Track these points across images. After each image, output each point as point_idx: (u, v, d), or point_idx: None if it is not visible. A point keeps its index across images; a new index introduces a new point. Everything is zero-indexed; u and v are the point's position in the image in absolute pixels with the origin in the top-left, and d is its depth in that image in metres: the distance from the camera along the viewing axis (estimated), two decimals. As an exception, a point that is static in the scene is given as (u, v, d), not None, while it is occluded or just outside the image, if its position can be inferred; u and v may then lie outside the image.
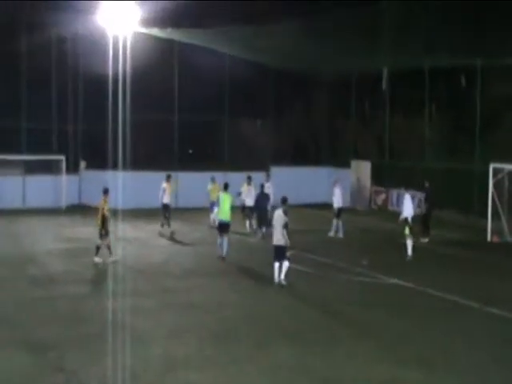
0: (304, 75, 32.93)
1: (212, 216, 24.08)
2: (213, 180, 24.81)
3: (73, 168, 31.32)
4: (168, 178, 24.01)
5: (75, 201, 30.61)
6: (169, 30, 27.84)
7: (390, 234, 23.29)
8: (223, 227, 19.51)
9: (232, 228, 20.33)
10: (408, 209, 20.27)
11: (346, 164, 32.92)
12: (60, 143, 31.59)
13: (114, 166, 25.27)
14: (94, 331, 12.40)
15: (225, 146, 33.28)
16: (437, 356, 11.49)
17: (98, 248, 18.38)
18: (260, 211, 23.41)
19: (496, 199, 23.02)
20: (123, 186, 22.33)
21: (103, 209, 18.32)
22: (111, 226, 18.90)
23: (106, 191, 18.53)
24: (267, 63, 32.00)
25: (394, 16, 26.25)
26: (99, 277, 17.19)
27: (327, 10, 26.42)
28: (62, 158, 30.10)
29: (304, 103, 34.95)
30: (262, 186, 23.93)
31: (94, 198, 29.09)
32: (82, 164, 31.63)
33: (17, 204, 29.06)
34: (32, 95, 30.76)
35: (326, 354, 11.50)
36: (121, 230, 21.00)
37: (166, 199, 23.70)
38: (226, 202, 19.55)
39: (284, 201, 16.81)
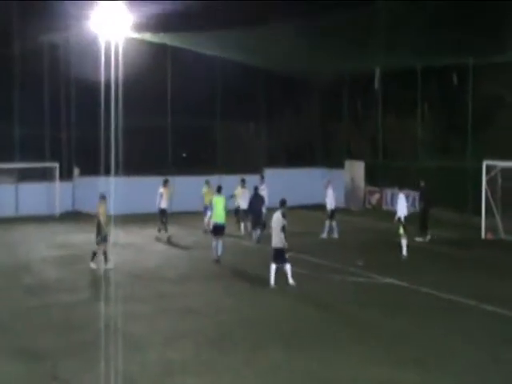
0: (296, 77, 32.97)
1: (206, 220, 24.06)
2: (207, 183, 24.80)
3: (66, 175, 31.24)
4: (165, 183, 23.97)
5: (69, 208, 30.53)
6: (161, 34, 27.83)
7: (385, 234, 23.31)
8: (218, 230, 19.52)
9: (226, 231, 20.33)
10: (402, 208, 20.33)
11: (339, 164, 32.96)
12: (53, 150, 31.52)
13: (108, 172, 25.22)
14: (89, 338, 12.36)
15: (218, 149, 33.28)
16: (433, 356, 11.49)
17: (94, 254, 18.34)
18: (254, 214, 23.42)
19: (489, 196, 23.08)
20: (117, 191, 22.24)
21: (98, 214, 18.30)
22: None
23: (102, 197, 18.52)
24: (259, 66, 32.02)
25: (386, 17, 26.35)
26: (94, 283, 17.14)
27: (319, 11, 26.50)
28: (56, 165, 30.03)
29: (297, 105, 34.99)
30: (256, 189, 23.92)
31: (88, 205, 29.13)
32: (76, 171, 31.56)
33: (10, 212, 28.96)
34: (24, 102, 30.71)
35: (322, 356, 11.50)
36: (115, 235, 20.93)
37: (163, 204, 23.65)
38: (219, 204, 19.60)
39: (283, 203, 16.83)
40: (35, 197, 29.39)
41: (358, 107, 33.76)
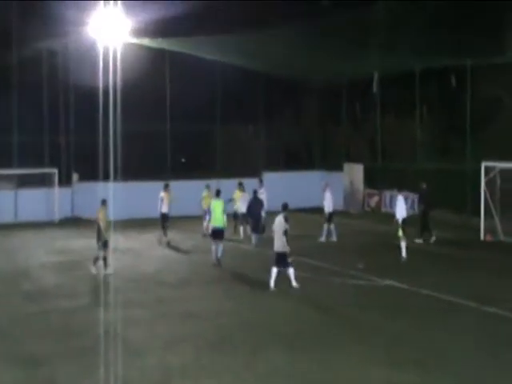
0: (295, 81, 33.00)
1: (205, 224, 24.06)
2: (207, 187, 24.79)
3: (65, 180, 31.25)
4: (166, 188, 23.94)
5: (68, 213, 30.52)
6: (159, 39, 27.86)
7: (384, 236, 23.28)
8: (217, 234, 19.51)
9: (225, 235, 20.32)
10: (401, 210, 20.31)
11: (338, 167, 32.95)
12: (52, 156, 31.53)
13: (107, 178, 25.22)
14: (89, 344, 12.33)
15: (217, 153, 33.29)
16: (433, 357, 11.46)
17: (96, 259, 18.32)
18: (253, 217, 23.42)
19: (488, 198, 23.07)
20: (116, 197, 22.27)
21: (98, 219, 18.29)
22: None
23: (103, 202, 18.52)
24: (258, 70, 32.04)
25: (385, 18, 26.39)
26: (94, 289, 17.07)
27: (318, 14, 26.57)
28: (55, 170, 30.03)
29: (295, 108, 35.02)
30: (255, 192, 23.94)
31: (87, 211, 29.14)
32: (75, 176, 31.56)
33: (9, 218, 28.95)
34: (23, 108, 30.74)
35: (323, 358, 11.48)
36: (114, 240, 20.91)
37: (164, 209, 23.62)
38: (217, 208, 19.60)
39: (285, 207, 16.83)
40: (34, 203, 29.39)
41: (356, 110, 33.78)
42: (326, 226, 23.52)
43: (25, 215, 29.09)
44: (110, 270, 18.19)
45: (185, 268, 19.67)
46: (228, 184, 25.87)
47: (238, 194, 24.68)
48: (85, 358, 11.66)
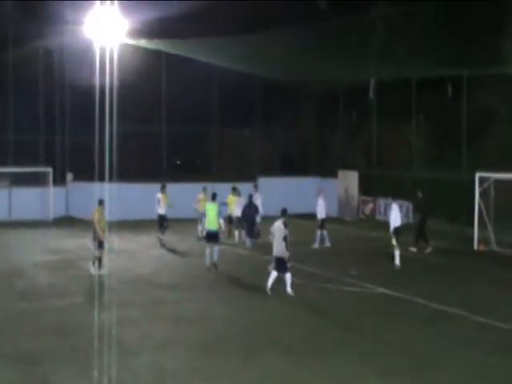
0: (292, 85, 33.07)
1: (200, 227, 24.06)
2: (204, 190, 24.81)
3: (60, 180, 31.20)
4: (163, 189, 23.93)
5: (62, 213, 30.48)
6: (156, 40, 27.87)
7: (378, 244, 23.35)
8: (211, 237, 19.55)
9: (220, 239, 20.35)
10: (395, 218, 20.35)
11: (333, 174, 33.03)
12: (47, 155, 31.48)
13: (102, 178, 25.14)
14: (82, 344, 12.30)
15: (213, 156, 33.29)
16: (423, 366, 11.50)
17: (95, 259, 18.25)
18: (247, 222, 23.47)
19: (482, 208, 23.17)
20: (111, 197, 22.22)
21: (94, 219, 18.24)
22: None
23: (100, 202, 18.46)
24: (255, 73, 32.09)
25: (382, 27, 26.51)
26: (87, 289, 17.04)
27: (315, 20, 26.64)
28: (49, 169, 29.97)
29: (292, 114, 35.08)
30: (250, 197, 23.99)
31: (81, 210, 29.09)
32: (69, 176, 31.51)
33: (3, 216, 28.88)
34: (19, 107, 30.68)
35: (315, 364, 11.49)
36: (109, 241, 20.88)
37: (161, 210, 23.61)
38: (211, 211, 19.63)
39: (284, 212, 16.82)
40: (28, 201, 29.34)
41: (353, 117, 33.87)
42: (318, 233, 23.58)
43: (19, 214, 29.03)
44: (104, 271, 18.15)
45: (180, 270, 19.66)
46: (223, 188, 25.87)
47: (231, 199, 24.70)
48: (78, 358, 11.64)
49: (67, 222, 29.30)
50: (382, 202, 29.99)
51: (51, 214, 29.58)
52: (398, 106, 29.72)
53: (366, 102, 31.77)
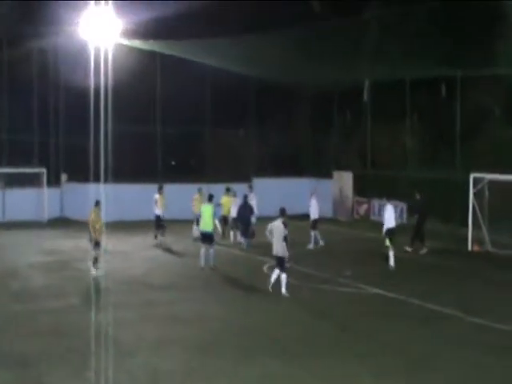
0: (286, 86, 33.08)
1: (195, 227, 24.08)
2: (199, 191, 24.83)
3: (54, 181, 31.14)
4: (160, 190, 23.93)
5: (57, 214, 30.41)
6: (151, 41, 27.86)
7: (373, 245, 23.37)
8: (206, 238, 19.62)
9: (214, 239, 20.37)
10: (389, 219, 20.38)
11: (328, 175, 33.06)
12: (41, 156, 31.41)
13: (96, 179, 25.11)
14: (77, 345, 12.29)
15: (207, 157, 33.30)
16: (418, 366, 11.53)
17: (95, 260, 18.18)
18: (242, 222, 23.52)
19: (477, 208, 23.24)
20: (105, 198, 22.22)
21: (90, 220, 18.19)
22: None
23: (96, 203, 18.44)
24: (250, 74, 32.11)
25: (375, 28, 26.56)
26: (82, 290, 17.01)
27: (310, 22, 26.67)
28: (44, 170, 29.90)
29: (286, 114, 35.08)
30: (245, 197, 24.04)
31: (75, 211, 29.03)
32: (63, 177, 31.45)
33: (-3, 218, 28.83)
34: (13, 107, 30.60)
35: (311, 364, 11.51)
36: (104, 242, 20.87)
37: (158, 210, 23.61)
38: (206, 212, 19.70)
39: (283, 212, 16.85)
40: (23, 202, 29.25)
41: (347, 118, 33.92)
42: (312, 233, 23.61)
43: (13, 215, 28.94)
44: (99, 272, 18.10)
45: (175, 271, 19.66)
46: (217, 189, 25.86)
47: (225, 199, 24.72)
48: (73, 359, 11.62)
49: (62, 222, 29.24)
50: (376, 202, 30.03)
51: (46, 214, 29.52)
52: (392, 107, 29.78)
53: (360, 103, 31.83)
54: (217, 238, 21.20)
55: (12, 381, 10.78)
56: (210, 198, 20.27)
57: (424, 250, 22.67)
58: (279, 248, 16.39)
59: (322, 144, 34.46)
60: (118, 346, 12.17)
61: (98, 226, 18.11)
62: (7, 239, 25.21)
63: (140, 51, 29.33)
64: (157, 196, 23.67)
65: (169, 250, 22.96)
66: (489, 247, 23.18)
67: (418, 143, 29.65)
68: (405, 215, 28.27)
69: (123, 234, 25.45)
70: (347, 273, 18.84)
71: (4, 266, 20.09)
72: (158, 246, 23.42)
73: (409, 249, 22.72)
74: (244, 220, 23.54)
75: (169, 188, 27.89)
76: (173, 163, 33.95)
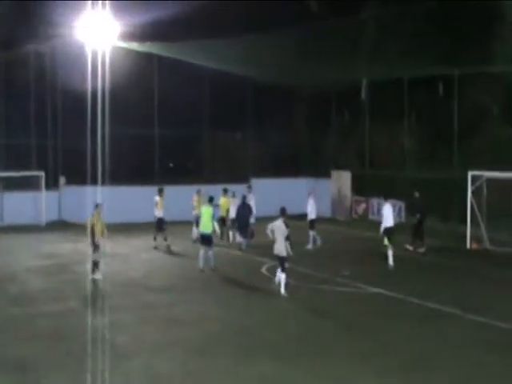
0: (284, 87, 33.08)
1: (194, 229, 24.09)
2: (198, 192, 24.83)
3: (52, 184, 31.10)
4: (160, 192, 23.93)
5: (55, 217, 30.37)
6: (148, 43, 27.85)
7: (371, 244, 23.36)
8: (205, 239, 19.64)
9: (214, 241, 20.35)
10: (387, 218, 20.36)
11: (326, 174, 33.05)
12: (39, 159, 31.38)
13: (94, 182, 25.13)
14: (75, 349, 12.25)
15: (205, 159, 33.28)
16: (420, 365, 11.51)
17: (96, 263, 18.10)
18: (241, 222, 23.53)
19: (475, 206, 23.23)
20: (103, 201, 22.21)
21: (91, 223, 18.11)
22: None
23: (96, 206, 18.39)
24: (247, 75, 32.10)
25: (373, 27, 26.57)
26: (80, 293, 16.97)
27: (307, 22, 26.68)
28: (42, 173, 29.87)
29: (284, 115, 35.06)
30: (244, 198, 24.07)
31: (74, 214, 29.01)
32: (62, 180, 31.42)
33: (-5, 221, 28.79)
34: (10, 110, 30.58)
35: (310, 366, 11.48)
36: (103, 245, 20.83)
37: (158, 213, 23.59)
38: (206, 214, 19.76)
39: (283, 212, 16.84)
40: (21, 206, 29.19)
41: (345, 117, 33.91)
42: (311, 233, 23.58)
43: (11, 218, 28.88)
44: (97, 275, 18.05)
45: (173, 273, 19.63)
46: (215, 190, 25.84)
47: (222, 200, 24.72)
48: (71, 362, 11.59)
49: (60, 226, 29.20)
50: (374, 201, 30.02)
51: (44, 218, 29.48)
52: (390, 106, 29.78)
53: (358, 103, 31.83)
54: (215, 240, 21.19)
55: (10, 385, 10.77)
56: (211, 200, 20.31)
57: (422, 249, 22.66)
58: (280, 248, 16.38)
59: (320, 144, 34.46)
60: (116, 349, 12.15)
61: (97, 229, 18.00)
62: (5, 243, 25.17)
63: (137, 53, 29.33)
64: (157, 198, 23.67)
65: (167, 252, 22.93)
66: (487, 245, 23.19)
67: (416, 142, 29.64)
68: (403, 214, 28.27)
69: (121, 237, 25.41)
70: (346, 272, 18.84)
71: (2, 269, 20.04)
72: (157, 247, 23.38)
73: (410, 247, 22.71)
74: (243, 220, 23.55)
75: (167, 190, 27.84)
76: (171, 165, 33.93)
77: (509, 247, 22.44)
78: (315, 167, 34.09)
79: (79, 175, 27.83)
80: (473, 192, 23.32)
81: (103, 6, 24.06)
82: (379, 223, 21.00)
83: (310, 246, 23.47)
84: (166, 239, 23.36)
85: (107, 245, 20.14)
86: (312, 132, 34.74)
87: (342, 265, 19.93)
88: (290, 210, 30.21)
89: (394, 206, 22.86)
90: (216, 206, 23.79)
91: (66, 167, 31.47)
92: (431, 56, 24.89)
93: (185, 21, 28.07)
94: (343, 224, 30.40)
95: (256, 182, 30.50)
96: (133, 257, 22.26)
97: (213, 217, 19.88)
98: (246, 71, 31.42)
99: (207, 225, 19.69)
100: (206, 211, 19.82)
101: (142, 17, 26.11)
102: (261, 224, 24.88)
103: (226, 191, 24.86)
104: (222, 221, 24.85)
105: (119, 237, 25.26)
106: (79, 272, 19.14)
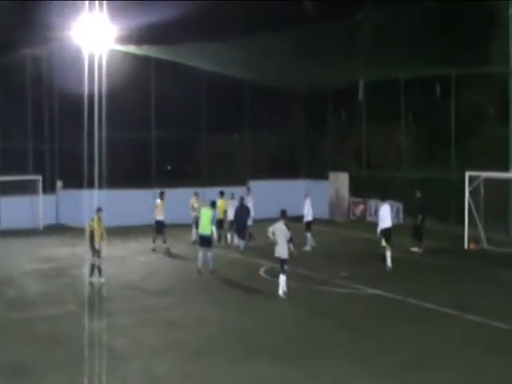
0: (281, 89, 33.10)
1: (193, 231, 24.11)
2: (196, 195, 24.83)
3: (49, 188, 31.06)
4: (161, 195, 23.93)
5: (52, 221, 30.31)
6: (145, 46, 27.85)
7: (369, 245, 23.34)
8: (204, 241, 19.68)
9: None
10: (384, 219, 20.34)
11: (324, 176, 33.05)
12: (36, 163, 31.33)
13: (91, 185, 25.09)
14: (73, 352, 12.23)
15: (202, 161, 33.27)
16: (418, 366, 11.50)
17: (98, 268, 18.04)
18: (239, 224, 23.54)
19: (472, 207, 23.24)
20: (100, 204, 22.17)
21: (91, 227, 18.04)
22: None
23: (97, 210, 18.31)
24: (244, 78, 32.12)
25: (369, 28, 26.60)
26: (78, 297, 16.92)
27: (303, 24, 26.69)
28: (39, 177, 29.82)
29: (281, 117, 35.08)
30: (242, 199, 24.08)
31: (71, 218, 28.97)
32: (59, 184, 31.37)
33: (-8, 226, 28.71)
34: (7, 114, 30.53)
35: (309, 367, 11.47)
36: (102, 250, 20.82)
37: (159, 216, 23.58)
38: (205, 216, 19.81)
39: (284, 214, 16.83)
40: (18, 210, 29.12)
41: (342, 118, 33.94)
42: (308, 235, 23.56)
43: (8, 222, 28.81)
44: (95, 279, 17.99)
45: (172, 275, 19.61)
46: (213, 193, 25.85)
47: (219, 203, 24.67)
48: (69, 366, 11.56)
49: (57, 230, 29.14)
50: (372, 203, 30.02)
51: (41, 222, 29.43)
52: (387, 107, 29.81)
53: (354, 104, 31.85)
54: (213, 242, 21.16)
55: (8, 389, 10.74)
56: (213, 205, 20.33)
57: (420, 250, 22.68)
58: (282, 250, 16.37)
59: (318, 145, 34.48)
60: (115, 353, 12.13)
61: (97, 234, 17.91)
62: (3, 247, 25.10)
63: (134, 56, 29.32)
64: (158, 201, 23.69)
65: (166, 255, 22.90)
66: (485, 245, 23.20)
67: (413, 143, 29.68)
68: (401, 215, 28.29)
69: (119, 240, 25.38)
70: (344, 274, 18.84)
71: (0, 273, 20.00)
72: (155, 249, 23.36)
73: (415, 249, 22.64)
74: (240, 222, 23.56)
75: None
76: (168, 168, 33.92)
77: (506, 247, 22.46)
78: (313, 169, 34.10)
79: (76, 179, 27.77)
80: (470, 192, 23.33)
81: (100, 9, 24.06)
82: (377, 224, 20.98)
83: (307, 248, 23.45)
84: (165, 242, 23.35)
85: (106, 248, 20.11)
86: (309, 133, 34.76)
87: (341, 266, 19.94)
88: (289, 212, 30.42)
89: (391, 207, 22.83)
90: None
91: (63, 171, 31.42)
92: (428, 57, 24.93)
93: (182, 23, 28.08)
94: (341, 225, 30.40)
95: (253, 184, 30.48)
96: (131, 260, 22.22)
97: (212, 221, 19.87)
98: (243, 73, 31.44)
99: (206, 226, 19.71)
100: (206, 213, 19.86)
101: (139, 20, 26.10)
102: (259, 226, 24.94)
103: (222, 194, 24.87)
104: (220, 223, 24.82)
105: (117, 240, 25.20)
106: (77, 276, 19.10)
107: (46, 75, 31.43)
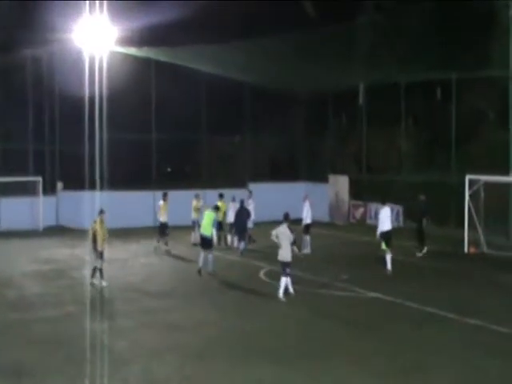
0: (281, 92, 33.13)
1: (193, 233, 24.11)
2: (197, 197, 24.84)
3: (50, 189, 31.05)
4: (164, 196, 23.94)
5: (53, 222, 30.31)
6: (145, 48, 27.87)
7: (369, 248, 23.36)
8: (205, 242, 19.74)
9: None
10: (384, 222, 20.33)
11: (324, 179, 33.06)
12: (36, 164, 31.33)
13: (92, 187, 25.08)
14: (72, 354, 12.22)
15: (203, 163, 33.27)
16: (417, 369, 11.51)
17: (100, 271, 17.99)
18: (239, 227, 23.55)
19: (472, 210, 23.25)
20: (101, 206, 22.17)
21: (94, 229, 18.01)
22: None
23: (100, 212, 18.27)
24: (244, 80, 32.14)
25: (370, 32, 26.62)
26: (78, 298, 16.92)
27: (304, 27, 26.72)
28: (39, 179, 29.82)
29: (281, 119, 35.10)
30: (242, 202, 24.12)
31: (71, 219, 28.97)
32: (59, 185, 31.37)
33: (-8, 227, 28.71)
34: (7, 115, 30.52)
35: (309, 369, 11.47)
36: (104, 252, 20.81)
37: (162, 217, 23.58)
38: (206, 218, 19.95)
39: (286, 217, 16.85)
40: (18, 211, 29.12)
41: (342, 121, 33.96)
42: (308, 238, 23.53)
43: (8, 224, 28.81)
44: (96, 281, 17.98)
45: (172, 278, 19.61)
46: (213, 194, 25.86)
47: (219, 205, 24.71)
48: (69, 368, 11.54)
49: (58, 231, 29.14)
50: (372, 206, 30.03)
51: (41, 223, 29.43)
52: (388, 110, 29.84)
53: (355, 107, 31.87)
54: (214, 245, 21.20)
55: (8, 390, 10.73)
56: (216, 208, 20.49)
57: (421, 253, 22.69)
58: (285, 254, 16.38)
59: (318, 148, 34.50)
60: (114, 355, 12.12)
61: (99, 236, 17.86)
62: (3, 248, 25.10)
63: (134, 58, 29.34)
64: (161, 202, 23.71)
65: (166, 256, 22.90)
66: (485, 249, 23.20)
67: (414, 146, 29.70)
68: (401, 218, 28.29)
69: (120, 242, 25.37)
70: (344, 277, 18.84)
71: (0, 275, 19.99)
72: (156, 249, 23.37)
73: (420, 254, 22.68)
74: (240, 225, 23.58)
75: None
76: (169, 170, 33.92)
77: (506, 251, 22.46)
78: (313, 171, 34.11)
79: (76, 180, 27.78)
80: (470, 196, 23.34)
81: (101, 10, 24.07)
82: (377, 227, 20.99)
83: (307, 251, 23.44)
84: (166, 244, 23.37)
85: (106, 250, 20.12)
86: (309, 136, 34.78)
87: (341, 269, 19.94)
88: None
89: (392, 210, 22.84)
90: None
91: (63, 172, 31.42)
92: (428, 60, 24.95)
93: (182, 25, 28.12)
94: (341, 228, 30.40)
95: (253, 186, 30.48)
96: (131, 262, 22.22)
97: (213, 223, 19.91)
98: (244, 76, 31.46)
99: (207, 228, 19.77)
100: (208, 215, 19.96)
101: (140, 22, 26.14)
102: (258, 228, 24.96)
103: (221, 196, 24.89)
104: (219, 225, 24.84)
105: (117, 242, 25.18)
106: (77, 277, 19.12)
107: (47, 76, 31.44)
